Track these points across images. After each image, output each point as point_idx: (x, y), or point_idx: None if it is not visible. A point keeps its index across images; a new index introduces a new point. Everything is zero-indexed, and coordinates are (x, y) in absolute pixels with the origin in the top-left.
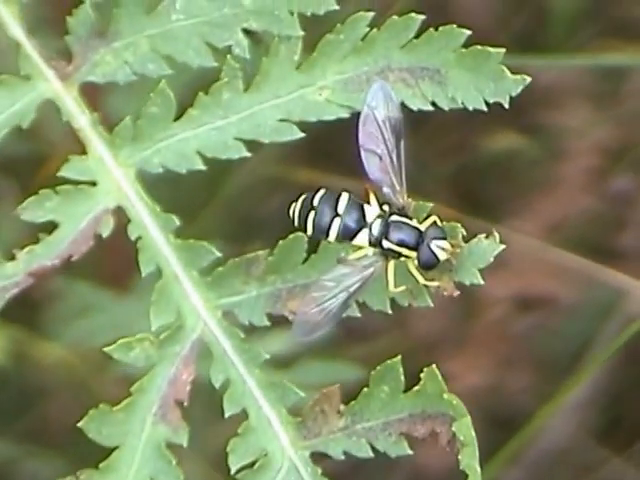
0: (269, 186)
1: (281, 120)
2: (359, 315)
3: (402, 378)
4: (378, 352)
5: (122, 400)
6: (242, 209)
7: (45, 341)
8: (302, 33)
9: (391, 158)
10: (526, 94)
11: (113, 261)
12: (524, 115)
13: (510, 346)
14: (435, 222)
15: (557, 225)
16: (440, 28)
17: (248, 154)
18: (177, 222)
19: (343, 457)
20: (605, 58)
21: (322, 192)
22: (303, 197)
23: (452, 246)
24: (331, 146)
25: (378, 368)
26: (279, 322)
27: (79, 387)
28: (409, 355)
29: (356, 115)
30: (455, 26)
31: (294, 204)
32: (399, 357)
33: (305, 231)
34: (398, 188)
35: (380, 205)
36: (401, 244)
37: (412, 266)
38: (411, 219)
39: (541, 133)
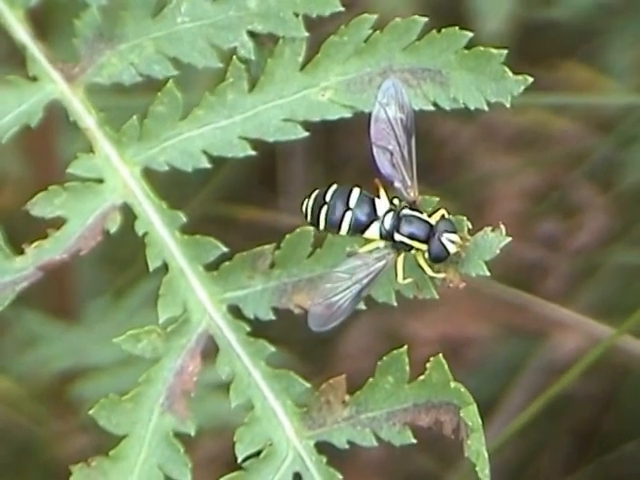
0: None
1: (285, 120)
2: (364, 307)
3: (407, 368)
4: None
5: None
6: None
7: None
8: (307, 34)
9: (402, 154)
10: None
11: (60, 292)
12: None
13: None
14: (444, 216)
15: None
16: (443, 30)
17: (253, 152)
18: (183, 219)
19: (347, 446)
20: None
21: (334, 187)
22: (316, 193)
23: (462, 239)
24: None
25: (384, 359)
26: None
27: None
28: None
29: (358, 115)
30: (457, 28)
31: (307, 200)
32: (405, 347)
33: (317, 226)
34: (409, 183)
35: (391, 199)
36: (412, 237)
37: (421, 259)
38: (422, 213)
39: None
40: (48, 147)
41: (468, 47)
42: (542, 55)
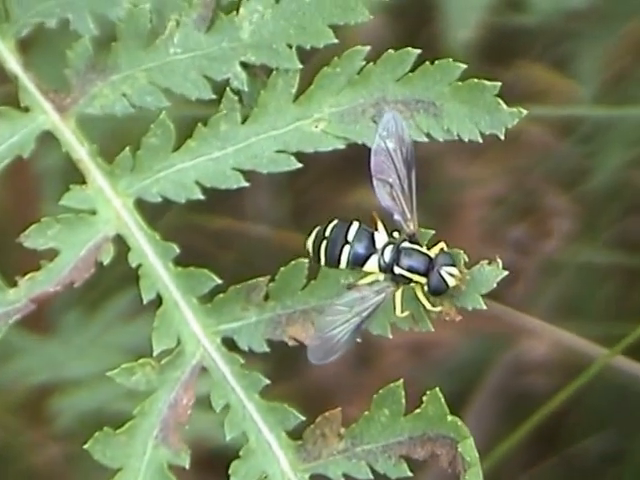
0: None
1: (278, 151)
2: (360, 340)
3: (403, 401)
4: (273, 398)
5: (125, 423)
6: None
7: None
8: (300, 66)
9: (402, 187)
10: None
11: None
12: None
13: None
14: (444, 249)
15: None
16: (436, 62)
17: (247, 184)
18: (177, 250)
19: (343, 479)
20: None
21: (334, 223)
22: (316, 230)
23: (462, 273)
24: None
25: (380, 392)
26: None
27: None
28: (306, 401)
29: (352, 145)
30: (451, 60)
31: (309, 237)
32: (401, 380)
33: (318, 262)
34: (409, 216)
35: (390, 232)
36: (412, 270)
37: (420, 292)
38: (421, 246)
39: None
40: (28, 180)
41: (461, 79)
42: (510, 60)
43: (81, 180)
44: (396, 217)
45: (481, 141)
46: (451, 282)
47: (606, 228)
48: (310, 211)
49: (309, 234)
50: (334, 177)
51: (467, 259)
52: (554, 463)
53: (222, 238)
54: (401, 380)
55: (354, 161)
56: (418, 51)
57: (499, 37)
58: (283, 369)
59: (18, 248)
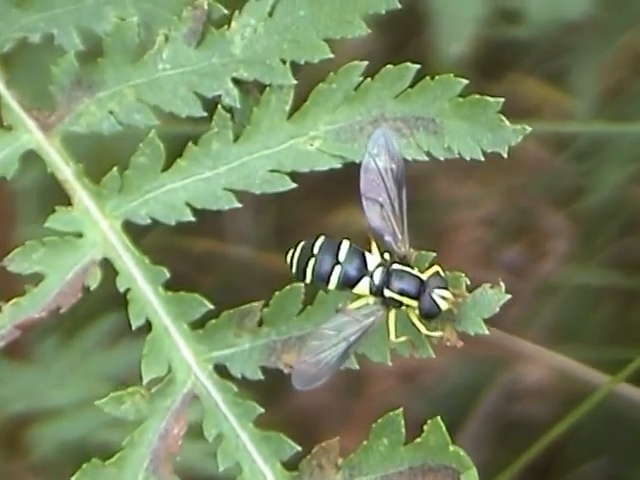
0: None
1: (272, 170)
2: (357, 367)
3: (403, 430)
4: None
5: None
6: None
7: None
8: (295, 82)
9: (393, 206)
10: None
11: None
12: None
13: None
14: (437, 272)
15: None
16: (436, 77)
17: (239, 205)
18: (167, 274)
19: None
20: None
21: (322, 239)
22: (302, 244)
23: (454, 295)
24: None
25: (379, 421)
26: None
27: None
28: (294, 429)
29: (348, 165)
30: (452, 75)
31: (292, 251)
32: (401, 409)
33: (303, 279)
34: (400, 237)
35: (381, 253)
36: (402, 293)
37: (414, 315)
38: (413, 268)
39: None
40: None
41: (462, 95)
42: (503, 73)
43: (63, 201)
44: (387, 238)
45: (483, 159)
46: (443, 305)
47: (602, 248)
48: (294, 231)
49: (291, 248)
50: (318, 196)
51: (469, 282)
52: None
53: (203, 260)
54: (400, 409)
55: (340, 179)
56: (417, 66)
57: (492, 50)
58: (270, 396)
59: None
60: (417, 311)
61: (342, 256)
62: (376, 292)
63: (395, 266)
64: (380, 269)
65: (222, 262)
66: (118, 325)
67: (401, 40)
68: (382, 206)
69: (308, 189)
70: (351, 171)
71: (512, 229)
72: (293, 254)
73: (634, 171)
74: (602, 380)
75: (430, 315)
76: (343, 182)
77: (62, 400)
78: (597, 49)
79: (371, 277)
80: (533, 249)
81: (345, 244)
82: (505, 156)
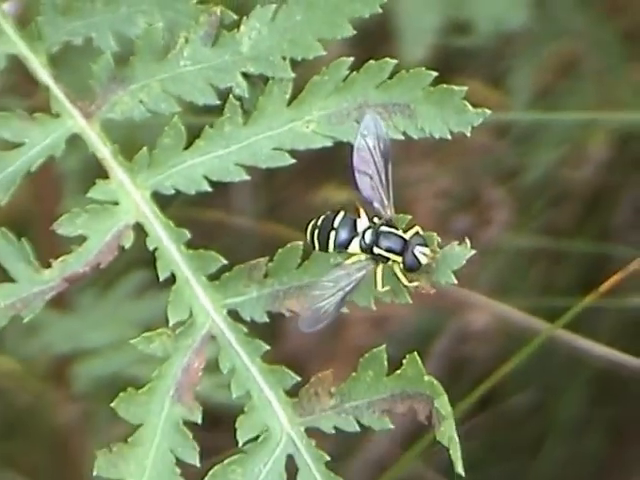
0: None
1: (274, 149)
2: (347, 311)
3: (385, 364)
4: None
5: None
6: None
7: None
8: (293, 75)
9: (380, 178)
10: None
11: None
12: None
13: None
14: (417, 232)
15: None
16: (411, 70)
17: (248, 177)
18: (188, 235)
19: (334, 431)
20: None
21: (325, 215)
22: (313, 221)
23: (433, 252)
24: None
25: (365, 355)
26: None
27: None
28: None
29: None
30: (424, 68)
31: (307, 228)
32: (384, 346)
33: (314, 247)
34: (386, 203)
35: (371, 218)
36: (389, 250)
37: (397, 269)
38: (397, 229)
39: None
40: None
41: (432, 85)
42: (453, 76)
43: (100, 176)
44: (375, 205)
45: (450, 138)
46: (424, 260)
47: (535, 217)
48: (284, 206)
49: (307, 225)
50: (303, 177)
51: (440, 240)
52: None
53: (211, 228)
54: (384, 345)
55: (320, 165)
56: (395, 61)
57: (443, 56)
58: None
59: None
60: (401, 265)
61: (337, 223)
62: (366, 250)
63: (383, 228)
64: (370, 231)
65: (226, 231)
66: (144, 280)
67: (370, 50)
68: (371, 178)
69: (294, 172)
70: (329, 158)
71: (462, 201)
72: (307, 229)
73: (562, 154)
74: (536, 325)
75: (412, 269)
76: (322, 167)
77: (98, 342)
78: (530, 56)
79: (362, 238)
80: (479, 218)
81: (340, 214)
82: (468, 135)
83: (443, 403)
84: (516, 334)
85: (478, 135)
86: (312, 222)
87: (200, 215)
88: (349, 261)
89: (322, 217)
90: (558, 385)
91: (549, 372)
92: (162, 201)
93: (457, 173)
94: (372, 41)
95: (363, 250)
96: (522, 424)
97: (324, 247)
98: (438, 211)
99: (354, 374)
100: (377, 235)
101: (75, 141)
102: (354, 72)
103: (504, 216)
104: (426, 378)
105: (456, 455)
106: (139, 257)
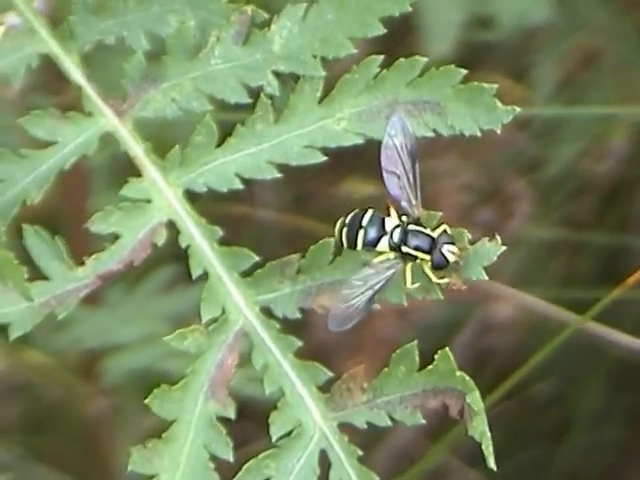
0: None
1: (306, 147)
2: (378, 307)
3: (417, 359)
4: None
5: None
6: None
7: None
8: (324, 73)
9: (408, 177)
10: None
11: None
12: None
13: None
14: (445, 230)
15: None
16: (441, 68)
17: (279, 175)
18: (220, 232)
19: (366, 427)
20: None
21: (354, 212)
22: (342, 219)
23: (459, 249)
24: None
25: (397, 351)
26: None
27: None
28: (313, 359)
29: (370, 142)
30: (454, 66)
31: (336, 225)
32: (415, 342)
33: (342, 245)
34: (414, 202)
35: (399, 216)
36: (417, 249)
37: (426, 267)
38: (425, 228)
39: None
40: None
41: (466, 80)
42: (481, 73)
43: (130, 175)
44: (403, 204)
45: (480, 135)
46: (451, 258)
47: (556, 209)
48: (308, 200)
49: (336, 222)
50: (328, 170)
51: (470, 237)
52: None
53: (234, 223)
54: (415, 341)
55: (345, 156)
56: (425, 59)
57: (465, 50)
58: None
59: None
60: (429, 263)
61: (365, 221)
62: (395, 248)
63: (410, 227)
64: (398, 230)
65: (250, 224)
66: (173, 276)
67: (389, 47)
68: (399, 177)
69: (317, 166)
70: (352, 153)
71: (485, 194)
72: (337, 227)
73: (582, 147)
74: (559, 315)
75: (440, 266)
76: (346, 160)
77: (128, 337)
78: (552, 50)
79: (390, 236)
80: (502, 210)
81: (369, 212)
82: (499, 132)
83: (475, 399)
84: (539, 325)
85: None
86: (340, 220)
87: (226, 209)
88: (378, 260)
89: (351, 215)
90: (580, 374)
91: (571, 362)
92: (189, 196)
93: (480, 167)
94: (391, 38)
95: (392, 249)
96: (545, 412)
97: (352, 245)
98: (462, 204)
99: (386, 369)
100: (405, 234)
101: (104, 137)
102: (384, 70)
103: (526, 208)
104: (458, 374)
105: (488, 450)
106: (167, 252)
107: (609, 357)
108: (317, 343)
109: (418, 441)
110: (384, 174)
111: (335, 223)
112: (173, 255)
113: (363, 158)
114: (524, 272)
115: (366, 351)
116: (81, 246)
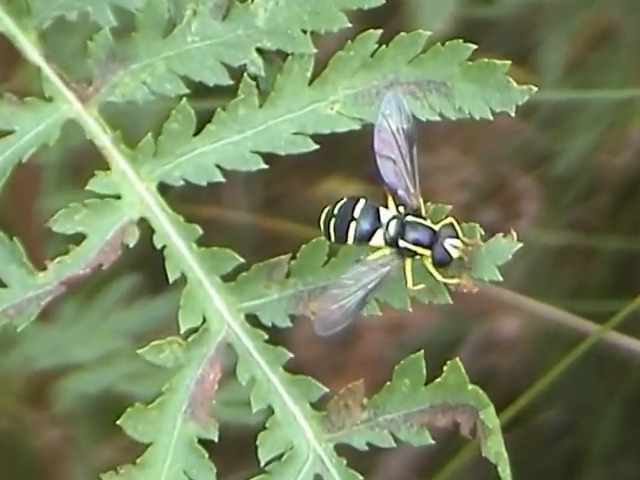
0: None
1: (295, 133)
2: (380, 314)
3: (424, 371)
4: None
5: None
6: None
7: None
8: (315, 50)
9: (405, 163)
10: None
11: None
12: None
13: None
14: (450, 222)
15: None
16: (447, 43)
17: (265, 166)
18: (199, 231)
19: (367, 448)
20: None
21: (342, 201)
22: (327, 208)
23: (465, 244)
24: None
25: (401, 362)
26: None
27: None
28: None
29: (368, 126)
30: (461, 41)
31: (321, 215)
32: (422, 351)
33: (329, 238)
34: (412, 190)
35: (396, 207)
36: (416, 243)
37: (429, 264)
38: (425, 219)
39: None
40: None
41: (471, 59)
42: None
43: (101, 167)
44: (400, 192)
45: (492, 118)
46: (455, 253)
47: (566, 209)
48: (280, 201)
49: (321, 212)
50: (301, 169)
51: (483, 232)
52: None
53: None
54: (422, 351)
55: (322, 154)
56: (429, 33)
57: (463, 29)
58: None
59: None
60: (430, 260)
61: (357, 213)
62: (391, 243)
63: (408, 218)
64: (394, 221)
65: (219, 227)
66: (134, 287)
67: (380, 21)
68: (395, 162)
69: (289, 163)
70: (332, 146)
71: (487, 192)
72: (321, 217)
73: (595, 138)
74: (577, 325)
75: (442, 263)
76: (324, 156)
77: (84, 356)
78: (559, 27)
79: (386, 229)
80: (505, 211)
81: (361, 202)
82: (513, 115)
83: (489, 415)
84: (548, 340)
85: (503, 117)
86: (327, 209)
87: (193, 211)
88: (372, 256)
89: (339, 204)
90: (594, 400)
91: (584, 385)
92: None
93: (481, 160)
94: (377, 14)
95: (387, 243)
96: (554, 443)
97: (342, 239)
98: (461, 204)
99: (388, 383)
100: (403, 226)
101: (66, 125)
102: (383, 46)
103: (533, 209)
104: (470, 387)
105: (505, 473)
106: (129, 261)
107: (627, 380)
108: (295, 362)
109: (423, 463)
110: (378, 159)
111: (318, 221)
112: (134, 263)
113: (346, 152)
114: (530, 281)
115: (350, 372)
116: (34, 248)
